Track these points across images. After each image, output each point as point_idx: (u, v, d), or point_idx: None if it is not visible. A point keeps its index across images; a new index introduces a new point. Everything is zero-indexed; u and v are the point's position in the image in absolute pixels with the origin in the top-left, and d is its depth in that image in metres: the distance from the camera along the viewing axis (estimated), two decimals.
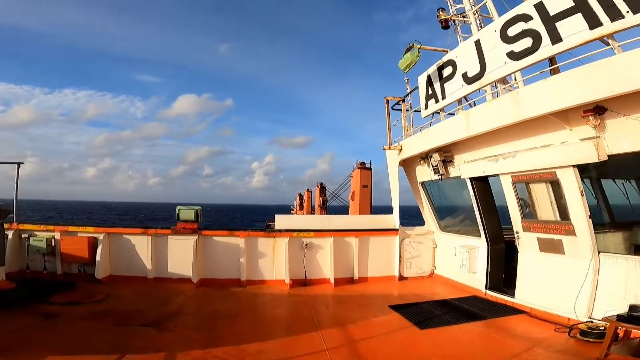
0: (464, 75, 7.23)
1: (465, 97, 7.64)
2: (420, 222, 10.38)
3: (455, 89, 7.58)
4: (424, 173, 9.72)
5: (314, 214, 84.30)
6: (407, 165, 10.29)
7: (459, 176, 8.18)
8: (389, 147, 10.06)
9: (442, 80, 7.97)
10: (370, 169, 40.77)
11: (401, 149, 9.88)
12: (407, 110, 9.84)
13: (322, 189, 77.91)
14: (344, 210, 51.15)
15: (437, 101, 8.30)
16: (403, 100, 9.89)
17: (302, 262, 8.85)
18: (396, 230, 9.66)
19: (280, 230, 8.91)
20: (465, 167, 7.93)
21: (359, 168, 40.42)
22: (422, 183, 10.02)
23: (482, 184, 7.91)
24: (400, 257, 9.54)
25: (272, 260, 8.78)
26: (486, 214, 7.87)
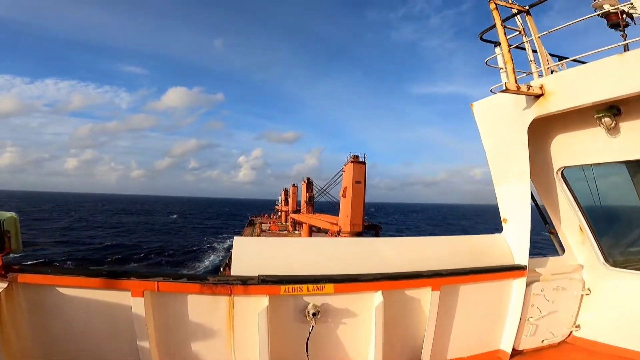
0: None
1: None
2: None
3: None
4: (585, 149, 4.92)
5: (300, 210, 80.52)
6: (546, 130, 5.20)
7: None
8: (513, 89, 4.46)
9: None
10: (364, 163, 36.46)
11: (543, 94, 4.60)
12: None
13: (309, 185, 73.90)
14: (333, 207, 46.79)
15: None
16: (528, 13, 4.84)
17: (303, 351, 4.01)
18: (520, 268, 4.93)
19: (246, 282, 3.84)
20: None
21: (352, 162, 36.06)
22: (562, 171, 5.25)
23: None
24: (521, 317, 4.99)
25: (226, 350, 3.94)
26: None
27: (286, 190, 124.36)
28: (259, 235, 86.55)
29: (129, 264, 71.87)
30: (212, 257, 72.60)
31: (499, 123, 5.22)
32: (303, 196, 74.36)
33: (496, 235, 5.45)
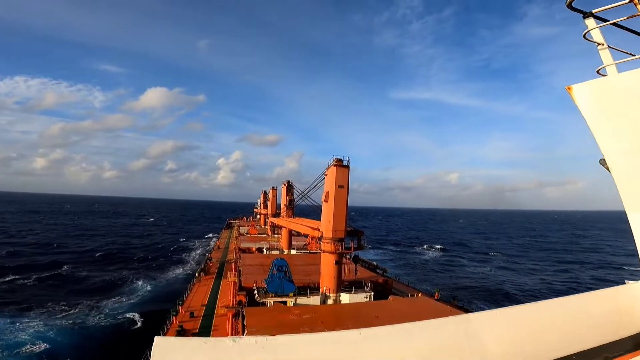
0: None
1: None
2: None
3: None
4: None
5: (279, 213, 79.05)
6: None
7: None
8: None
9: None
10: (347, 166, 35.49)
11: None
12: None
13: (290, 188, 72.56)
14: (314, 211, 45.70)
15: None
16: None
17: None
18: None
19: None
20: None
21: (335, 165, 35.04)
22: None
23: None
24: None
25: None
26: None
27: (265, 193, 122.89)
28: (236, 239, 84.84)
29: (84, 268, 68.45)
30: (179, 271, 69.79)
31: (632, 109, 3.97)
32: (283, 199, 73.00)
33: (620, 286, 4.09)
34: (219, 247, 76.47)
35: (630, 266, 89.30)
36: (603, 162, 4.55)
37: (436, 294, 38.55)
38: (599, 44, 4.03)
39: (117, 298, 49.82)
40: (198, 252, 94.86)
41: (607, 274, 79.66)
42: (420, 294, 37.98)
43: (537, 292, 63.88)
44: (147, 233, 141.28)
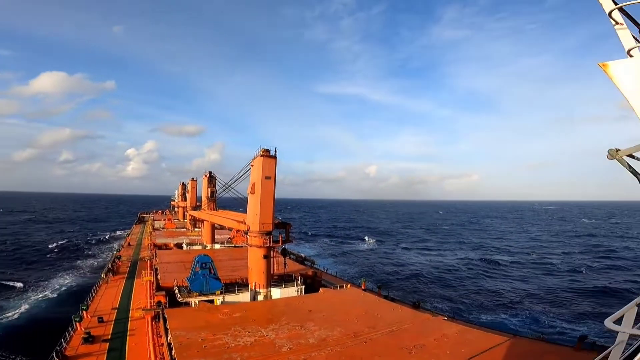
0: None
1: None
2: None
3: None
4: None
5: (200, 206, 74.18)
6: None
7: None
8: None
9: None
10: (274, 157, 34.05)
11: None
12: None
13: (211, 179, 68.65)
14: (238, 204, 43.32)
15: None
16: None
17: None
18: None
19: None
20: None
21: (262, 156, 33.37)
22: None
23: None
24: None
25: None
26: None
27: (184, 185, 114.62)
28: (151, 234, 77.54)
29: None
30: (67, 280, 58.92)
31: None
32: (204, 191, 68.60)
33: None
34: (129, 244, 69.07)
35: (496, 250, 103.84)
36: (614, 152, 4.52)
37: (363, 284, 39.42)
38: (618, 23, 4.31)
39: None
40: (103, 251, 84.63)
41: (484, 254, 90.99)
42: (349, 285, 38.48)
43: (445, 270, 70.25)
44: (30, 232, 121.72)
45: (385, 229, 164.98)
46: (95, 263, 69.06)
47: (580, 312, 46.67)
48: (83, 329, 24.73)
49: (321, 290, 34.86)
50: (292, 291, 34.14)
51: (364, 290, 36.91)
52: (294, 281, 35.57)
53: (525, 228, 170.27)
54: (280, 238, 34.53)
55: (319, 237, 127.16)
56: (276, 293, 33.54)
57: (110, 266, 45.36)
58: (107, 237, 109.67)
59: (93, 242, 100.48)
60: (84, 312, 28.52)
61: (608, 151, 4.55)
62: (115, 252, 60.52)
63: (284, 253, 38.74)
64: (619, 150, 4.45)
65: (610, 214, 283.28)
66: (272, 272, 34.63)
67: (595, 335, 33.28)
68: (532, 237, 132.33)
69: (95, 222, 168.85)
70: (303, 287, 35.15)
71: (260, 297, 32.85)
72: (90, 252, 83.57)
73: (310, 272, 42.38)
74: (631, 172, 4.57)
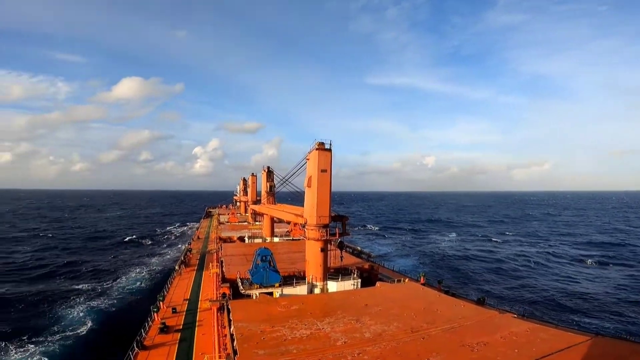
0: None
1: None
2: None
3: None
4: None
5: (260, 200, 76.95)
6: None
7: None
8: None
9: None
10: (330, 150, 33.96)
11: None
12: None
13: (270, 174, 70.70)
14: (296, 197, 44.16)
15: None
16: None
17: None
18: None
19: None
20: None
21: (317, 149, 33.46)
22: None
23: None
24: None
25: None
26: None
27: (245, 180, 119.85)
28: (217, 228, 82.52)
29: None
30: (157, 260, 67.91)
31: None
32: (263, 186, 71.01)
33: None
34: (198, 237, 74.09)
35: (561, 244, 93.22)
36: None
37: (422, 279, 38.08)
38: None
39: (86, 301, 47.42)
40: (177, 242, 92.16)
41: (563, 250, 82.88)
42: (407, 279, 37.44)
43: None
44: (125, 226, 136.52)
45: (450, 220, 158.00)
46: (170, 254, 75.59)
47: None
48: (160, 320, 26.90)
49: (378, 284, 34.33)
50: (349, 284, 34.06)
51: (423, 284, 35.68)
52: (350, 274, 35.44)
53: (611, 222, 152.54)
54: (337, 231, 34.54)
55: (382, 230, 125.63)
56: (332, 286, 33.69)
57: (183, 258, 48.92)
58: (182, 230, 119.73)
59: (166, 235, 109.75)
60: (161, 302, 30.94)
61: None
62: (187, 245, 65.42)
63: (341, 246, 38.72)
64: None
65: None
66: (328, 265, 34.86)
67: None
68: (618, 229, 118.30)
69: (174, 215, 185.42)
70: (359, 280, 34.89)
71: (317, 290, 33.23)
72: (168, 244, 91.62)
73: (366, 266, 41.93)
74: None
